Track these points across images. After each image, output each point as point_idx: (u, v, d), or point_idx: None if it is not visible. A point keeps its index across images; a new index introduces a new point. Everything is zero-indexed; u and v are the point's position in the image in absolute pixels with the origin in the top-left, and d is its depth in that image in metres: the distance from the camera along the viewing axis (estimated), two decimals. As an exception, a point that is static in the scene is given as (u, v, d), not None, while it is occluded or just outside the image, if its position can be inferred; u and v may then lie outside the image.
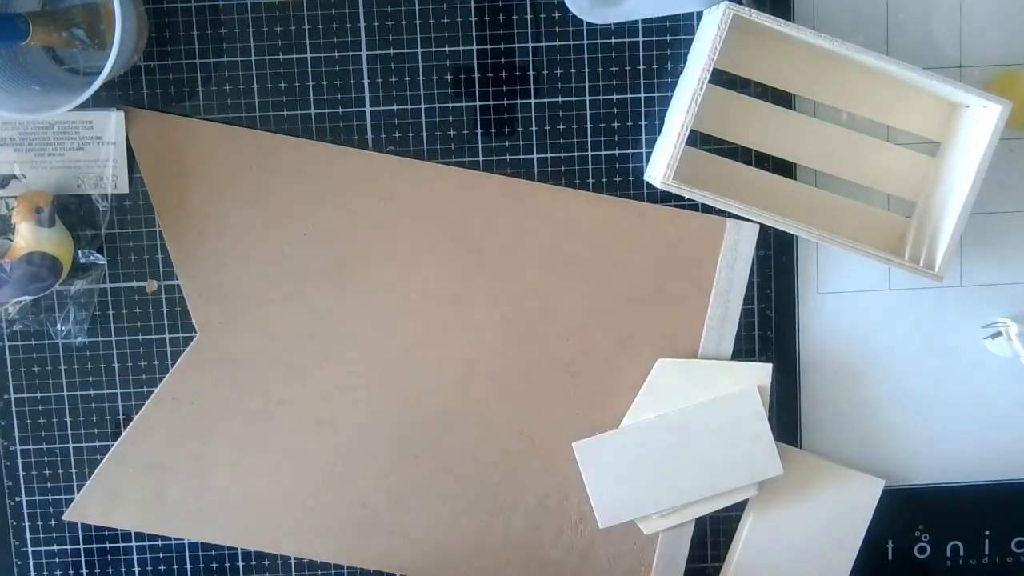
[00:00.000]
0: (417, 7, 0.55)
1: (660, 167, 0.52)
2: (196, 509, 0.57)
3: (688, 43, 0.55)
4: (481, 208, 0.56)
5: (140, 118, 0.55)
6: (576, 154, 0.56)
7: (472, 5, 0.55)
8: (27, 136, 0.55)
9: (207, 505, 0.57)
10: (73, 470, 0.57)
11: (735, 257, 0.56)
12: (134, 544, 0.57)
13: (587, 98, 0.56)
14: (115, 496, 0.57)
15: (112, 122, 0.55)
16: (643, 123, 0.56)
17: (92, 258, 0.55)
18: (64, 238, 0.54)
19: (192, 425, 0.56)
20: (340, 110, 0.55)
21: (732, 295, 0.56)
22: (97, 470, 0.57)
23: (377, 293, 0.56)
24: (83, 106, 0.50)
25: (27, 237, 0.53)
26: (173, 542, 0.57)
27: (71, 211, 0.55)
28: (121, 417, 0.57)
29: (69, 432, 0.57)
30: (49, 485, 0.57)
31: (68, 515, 0.57)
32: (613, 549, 0.57)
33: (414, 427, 0.57)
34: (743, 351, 0.57)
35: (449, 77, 0.55)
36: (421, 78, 0.55)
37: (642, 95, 0.56)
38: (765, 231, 0.56)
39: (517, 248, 0.56)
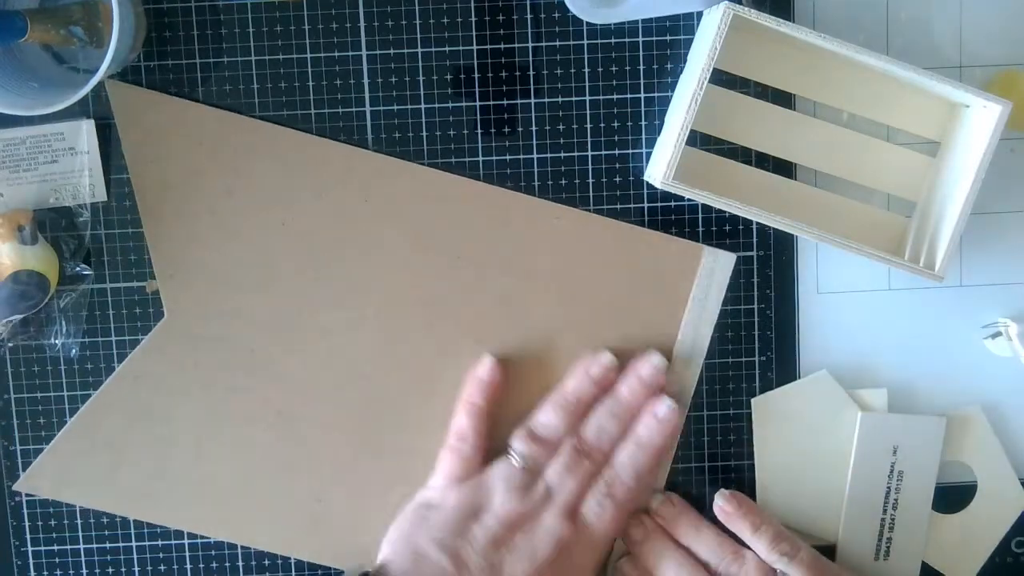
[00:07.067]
0: (417, 7, 0.55)
1: (660, 167, 0.52)
2: (149, 490, 0.56)
3: (688, 43, 0.55)
4: (459, 214, 0.56)
5: (124, 92, 0.54)
6: (576, 154, 0.56)
7: (472, 5, 0.55)
8: (0, 154, 0.55)
9: (161, 487, 0.56)
10: (73, 470, 0.57)
11: (709, 285, 0.56)
12: (134, 544, 0.57)
13: (587, 98, 0.56)
14: (68, 471, 0.56)
15: (83, 132, 0.54)
16: (643, 123, 0.56)
17: (78, 269, 0.55)
18: (48, 253, 0.54)
19: (152, 406, 0.56)
20: (340, 110, 0.55)
21: (703, 324, 0.56)
22: (51, 443, 0.56)
23: (349, 291, 0.56)
24: (54, 117, 0.49)
25: (11, 256, 0.53)
26: (173, 543, 0.57)
27: (52, 225, 0.55)
28: (121, 417, 0.57)
29: (69, 432, 0.57)
30: (49, 485, 0.57)
31: (18, 486, 0.56)
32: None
33: (376, 427, 0.56)
34: (743, 351, 0.57)
35: (449, 77, 0.55)
36: (421, 78, 0.55)
37: (642, 95, 0.56)
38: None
39: (493, 257, 0.56)
